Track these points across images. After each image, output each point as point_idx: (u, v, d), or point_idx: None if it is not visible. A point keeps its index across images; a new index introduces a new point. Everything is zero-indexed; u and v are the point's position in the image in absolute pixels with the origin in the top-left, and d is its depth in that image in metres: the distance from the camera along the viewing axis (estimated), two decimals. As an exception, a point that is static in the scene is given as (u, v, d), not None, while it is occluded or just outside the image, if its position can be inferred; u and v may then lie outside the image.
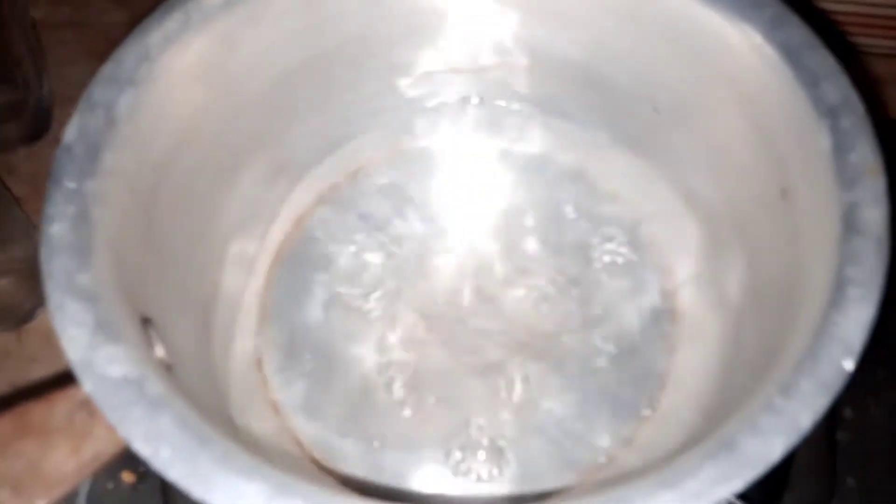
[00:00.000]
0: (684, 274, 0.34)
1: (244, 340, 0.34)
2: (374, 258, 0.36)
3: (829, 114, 0.25)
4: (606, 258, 0.35)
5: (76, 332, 0.22)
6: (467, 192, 0.37)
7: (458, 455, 0.32)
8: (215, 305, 0.33)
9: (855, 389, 0.22)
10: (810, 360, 0.22)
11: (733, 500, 0.21)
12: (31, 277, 0.38)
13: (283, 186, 0.36)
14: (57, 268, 0.23)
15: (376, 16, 0.33)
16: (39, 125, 0.43)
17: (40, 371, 0.38)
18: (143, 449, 0.21)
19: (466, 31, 0.35)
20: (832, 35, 0.27)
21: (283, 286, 0.35)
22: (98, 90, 0.26)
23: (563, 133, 0.37)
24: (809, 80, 0.26)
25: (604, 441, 0.31)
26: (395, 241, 0.36)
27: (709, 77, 0.30)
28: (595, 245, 0.35)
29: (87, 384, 0.22)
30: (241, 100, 0.32)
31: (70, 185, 0.25)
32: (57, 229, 0.24)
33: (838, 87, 0.26)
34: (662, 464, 0.21)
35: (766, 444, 0.21)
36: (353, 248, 0.36)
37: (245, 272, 0.34)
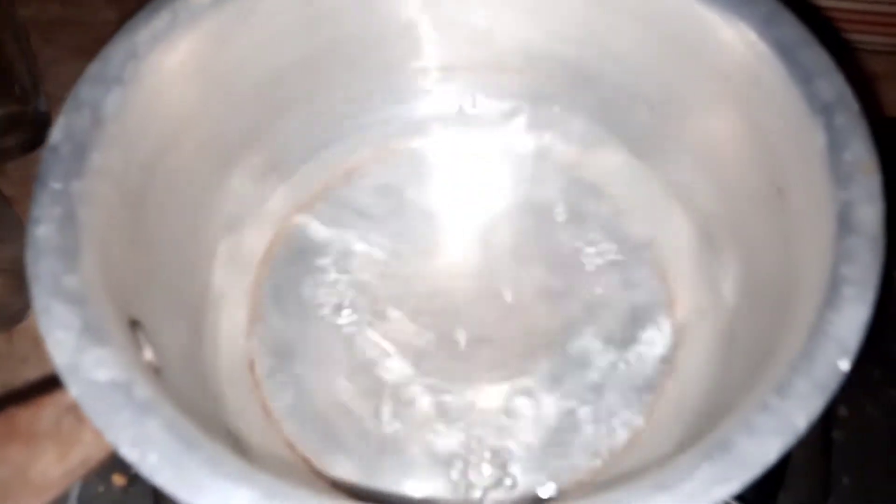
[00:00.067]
0: (679, 272, 0.34)
1: (235, 342, 0.33)
2: (366, 258, 0.35)
3: (824, 111, 0.25)
4: (600, 258, 0.35)
5: (63, 335, 0.22)
6: (461, 191, 0.37)
7: (453, 459, 0.32)
8: (205, 306, 0.32)
9: (850, 388, 0.22)
10: (806, 359, 0.22)
11: (728, 500, 0.21)
12: (21, 278, 0.37)
13: (273, 185, 0.35)
14: (43, 270, 0.23)
15: (369, 14, 0.33)
16: (38, 135, 0.43)
17: (32, 372, 0.38)
18: (130, 454, 0.21)
19: (459, 30, 0.35)
20: (826, 32, 0.27)
21: (273, 286, 0.35)
22: (85, 89, 0.26)
23: (557, 131, 0.37)
24: (804, 77, 0.26)
25: (600, 443, 0.31)
26: (389, 241, 0.36)
27: (703, 74, 0.30)
28: (589, 244, 0.35)
29: (74, 389, 0.21)
30: (231, 98, 0.31)
31: (56, 185, 0.24)
32: (43, 231, 0.24)
33: (833, 84, 0.26)
34: (658, 465, 0.21)
35: (762, 444, 0.21)
36: (345, 248, 0.35)
37: (235, 272, 0.34)
